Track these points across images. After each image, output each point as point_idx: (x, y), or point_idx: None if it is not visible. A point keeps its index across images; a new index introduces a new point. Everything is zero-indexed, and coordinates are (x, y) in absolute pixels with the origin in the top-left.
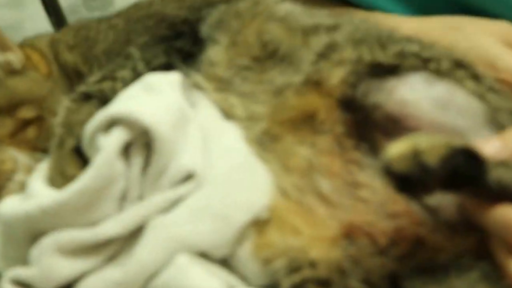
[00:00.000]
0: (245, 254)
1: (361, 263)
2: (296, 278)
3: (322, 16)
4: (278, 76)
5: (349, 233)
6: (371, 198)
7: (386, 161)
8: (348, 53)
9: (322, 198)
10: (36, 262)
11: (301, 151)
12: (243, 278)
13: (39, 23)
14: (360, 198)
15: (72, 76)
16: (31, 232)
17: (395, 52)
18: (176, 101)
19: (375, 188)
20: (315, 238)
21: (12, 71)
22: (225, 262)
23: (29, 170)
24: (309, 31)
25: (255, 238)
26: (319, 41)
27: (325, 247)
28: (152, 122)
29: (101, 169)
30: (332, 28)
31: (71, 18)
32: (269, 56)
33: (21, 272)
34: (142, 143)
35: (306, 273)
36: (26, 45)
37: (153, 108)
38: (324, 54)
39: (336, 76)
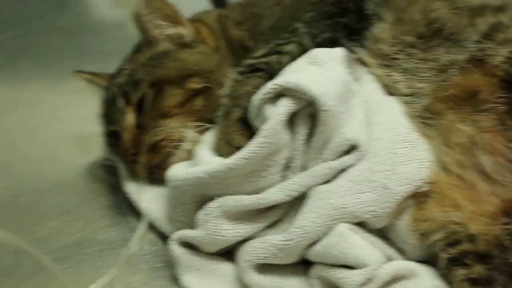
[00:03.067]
0: (403, 227)
1: None
2: (455, 251)
3: None
4: (442, 54)
5: (510, 210)
6: None
7: None
8: None
9: (484, 174)
10: (203, 225)
11: (463, 128)
12: (400, 250)
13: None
14: None
15: (238, 51)
16: (198, 196)
17: None
18: (341, 75)
19: None
20: (475, 213)
21: (183, 44)
22: (382, 235)
23: (196, 140)
24: (475, 11)
25: (414, 211)
26: (485, 21)
27: (485, 222)
28: (319, 93)
29: (268, 138)
30: (499, 9)
31: None
32: (434, 34)
33: (188, 234)
34: (307, 114)
35: (465, 247)
36: (196, 20)
37: (320, 80)
38: (489, 34)
39: (500, 55)
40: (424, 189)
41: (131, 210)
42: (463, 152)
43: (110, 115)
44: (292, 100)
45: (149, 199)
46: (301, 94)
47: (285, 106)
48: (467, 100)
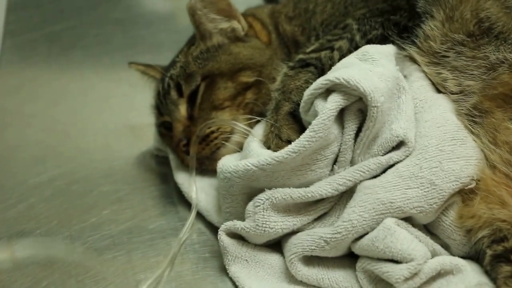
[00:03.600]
0: (449, 223)
1: None
2: (500, 248)
3: None
4: (492, 53)
5: None
6: None
7: None
8: None
9: None
10: (252, 216)
11: (511, 126)
12: (445, 246)
13: None
14: None
15: (290, 45)
16: (247, 188)
17: None
18: (391, 72)
19: None
20: None
21: (236, 38)
22: (428, 230)
23: (246, 133)
24: None
25: (460, 207)
26: None
27: None
28: (370, 89)
29: (318, 132)
30: None
31: None
32: (484, 33)
33: (237, 225)
34: (357, 109)
35: (511, 244)
36: (249, 14)
37: (370, 76)
38: None
39: None
40: (471, 186)
41: (181, 200)
42: (510, 150)
43: (163, 106)
44: (342, 96)
45: (199, 189)
46: (351, 89)
47: (335, 102)
48: None
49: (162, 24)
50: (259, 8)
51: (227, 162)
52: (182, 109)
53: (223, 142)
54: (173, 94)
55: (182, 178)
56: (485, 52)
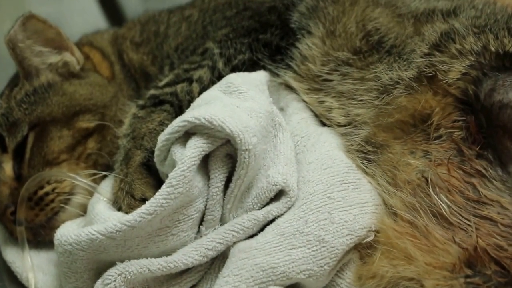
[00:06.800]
0: (346, 286)
1: None
2: None
3: None
4: (384, 72)
5: (473, 260)
6: (499, 217)
7: None
8: (470, 43)
9: (440, 217)
10: None
11: (412, 162)
12: None
13: (88, 16)
14: (486, 217)
15: (138, 79)
16: (94, 262)
17: None
18: (263, 106)
19: (504, 205)
20: (432, 266)
21: (70, 74)
22: None
23: (90, 191)
24: (421, 18)
25: (358, 266)
26: (435, 29)
27: (443, 276)
28: (238, 129)
29: (178, 187)
30: (450, 13)
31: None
32: (373, 48)
33: None
34: (224, 154)
35: None
36: (84, 43)
37: (238, 113)
38: (441, 45)
39: (455, 70)
40: (369, 239)
41: (13, 282)
42: (413, 192)
43: None
44: (205, 139)
45: (34, 267)
46: (215, 131)
47: (197, 147)
48: (417, 127)
49: None
50: (97, 35)
51: (67, 231)
52: (7, 168)
53: (61, 205)
54: None
55: (13, 255)
56: (375, 72)
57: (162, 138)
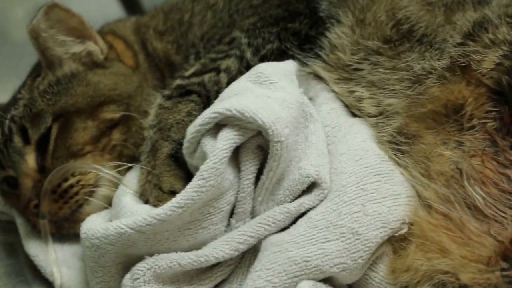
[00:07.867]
0: (380, 279)
1: None
2: None
3: None
4: (416, 61)
5: (509, 253)
6: None
7: None
8: (503, 33)
9: (474, 210)
10: None
11: (445, 152)
12: None
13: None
14: None
15: (163, 68)
16: (123, 256)
17: None
18: (294, 96)
19: None
20: (467, 259)
21: (93, 64)
22: None
23: (114, 183)
24: (453, 6)
25: (392, 259)
26: (467, 18)
27: (479, 270)
28: (270, 121)
29: (209, 180)
30: (482, 1)
31: None
32: (404, 36)
33: None
34: (255, 146)
35: None
36: (106, 32)
37: (269, 104)
38: (473, 34)
39: (488, 60)
40: (403, 232)
41: (37, 277)
42: (447, 183)
43: (4, 157)
44: (237, 131)
45: (58, 261)
46: (247, 122)
47: (228, 139)
48: (449, 117)
49: None
50: (120, 23)
51: (94, 225)
52: (30, 160)
53: (86, 197)
54: (17, 141)
55: (36, 249)
56: (407, 62)
57: (192, 129)
